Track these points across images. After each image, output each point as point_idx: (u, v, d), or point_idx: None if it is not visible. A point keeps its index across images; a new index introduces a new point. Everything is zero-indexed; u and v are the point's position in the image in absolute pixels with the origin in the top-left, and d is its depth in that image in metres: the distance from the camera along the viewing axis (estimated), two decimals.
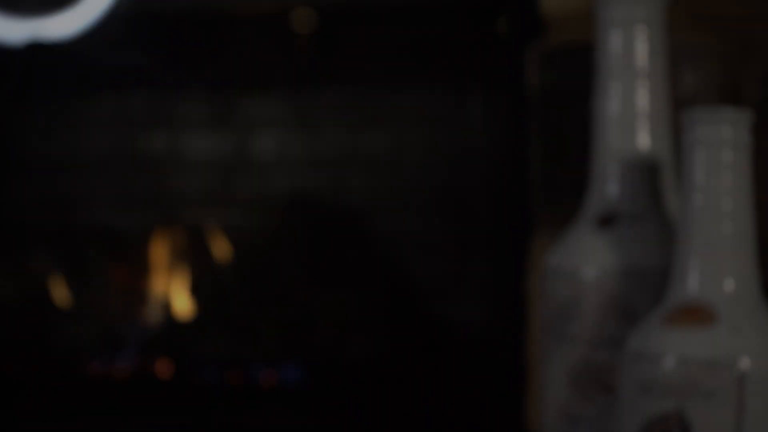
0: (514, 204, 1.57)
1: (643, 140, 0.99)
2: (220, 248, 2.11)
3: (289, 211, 2.10)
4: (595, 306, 0.96)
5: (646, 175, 0.99)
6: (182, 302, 2.06)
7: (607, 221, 0.99)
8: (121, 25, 1.90)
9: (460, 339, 1.97)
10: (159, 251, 2.12)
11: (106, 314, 2.08)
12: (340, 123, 2.09)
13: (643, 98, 0.99)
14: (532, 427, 1.32)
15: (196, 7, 1.97)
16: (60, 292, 2.11)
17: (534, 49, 1.31)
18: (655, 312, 0.87)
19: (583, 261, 0.98)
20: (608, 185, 0.99)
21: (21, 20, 1.95)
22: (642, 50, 0.99)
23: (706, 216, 0.85)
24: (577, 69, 1.22)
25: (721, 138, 0.85)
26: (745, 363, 0.81)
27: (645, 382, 0.83)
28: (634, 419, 0.84)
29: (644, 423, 0.83)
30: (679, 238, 0.87)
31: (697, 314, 0.84)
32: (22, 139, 2.21)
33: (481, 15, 1.78)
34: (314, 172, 2.10)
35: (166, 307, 2.06)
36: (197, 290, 2.07)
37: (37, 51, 1.94)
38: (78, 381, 1.99)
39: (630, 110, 0.99)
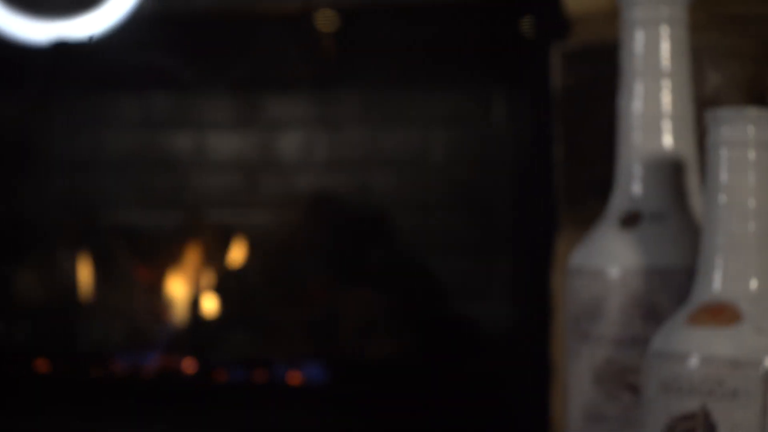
0: (538, 203, 1.57)
1: (667, 140, 0.99)
2: (245, 248, 2.12)
3: (313, 211, 2.11)
4: (619, 305, 0.97)
5: (670, 174, 0.99)
6: (207, 301, 2.07)
7: (631, 221, 0.99)
8: (144, 26, 1.91)
9: (484, 338, 1.97)
10: (184, 251, 2.13)
11: (131, 313, 2.09)
12: (363, 123, 2.10)
13: (666, 98, 0.99)
14: (556, 426, 1.32)
15: (220, 8, 1.98)
16: (86, 292, 2.12)
17: (557, 49, 1.31)
18: (680, 311, 0.87)
19: (607, 261, 0.98)
20: (632, 185, 1.00)
21: (46, 22, 1.96)
22: (666, 50, 0.99)
23: (731, 215, 0.85)
24: (601, 69, 1.22)
25: (745, 137, 0.85)
26: None
27: (669, 381, 0.83)
28: (658, 419, 0.84)
29: (668, 422, 0.83)
30: (704, 237, 0.87)
31: (722, 313, 0.84)
32: (47, 139, 2.22)
33: (504, 15, 1.78)
34: (338, 172, 2.10)
35: (192, 306, 2.07)
36: (222, 289, 2.08)
37: (62, 52, 1.95)
38: (104, 379, 2.00)
39: (654, 110, 0.99)
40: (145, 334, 2.06)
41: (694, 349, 0.83)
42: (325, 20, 1.94)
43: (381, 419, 1.83)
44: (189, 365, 1.99)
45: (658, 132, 0.99)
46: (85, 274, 2.13)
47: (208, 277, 2.10)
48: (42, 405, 1.94)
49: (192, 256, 2.12)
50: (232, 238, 2.13)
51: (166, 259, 2.13)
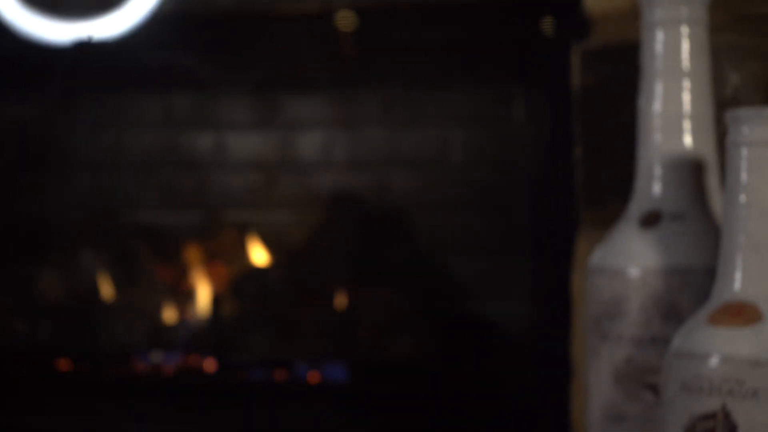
0: (558, 203, 1.57)
1: (687, 140, 0.99)
2: (264, 247, 2.12)
3: (333, 211, 2.11)
4: (639, 305, 0.97)
5: (690, 174, 0.99)
6: (228, 301, 2.08)
7: (651, 220, 0.99)
8: (165, 27, 1.92)
9: (504, 338, 1.97)
10: (204, 250, 2.14)
11: (152, 313, 2.10)
12: (383, 122, 2.10)
13: (686, 98, 1.00)
14: (576, 426, 1.33)
15: (240, 8, 1.98)
16: (107, 291, 2.13)
17: (577, 49, 1.31)
18: (700, 311, 0.87)
19: (628, 260, 0.98)
20: (652, 185, 1.00)
21: (67, 22, 1.97)
22: (686, 50, 0.99)
23: (751, 215, 0.85)
24: (621, 69, 1.22)
25: (765, 137, 0.85)
26: None
27: (689, 381, 0.84)
28: (678, 418, 0.84)
29: (688, 422, 0.83)
30: (724, 237, 0.87)
31: (742, 313, 0.84)
32: (68, 139, 2.23)
33: (524, 14, 1.78)
34: (357, 172, 2.11)
35: (212, 305, 2.07)
36: (242, 289, 2.09)
37: (83, 52, 1.96)
38: (125, 379, 2.01)
39: (674, 110, 0.99)
40: (166, 334, 2.07)
41: (715, 348, 0.83)
42: (344, 20, 1.95)
43: (400, 419, 1.83)
44: (209, 365, 2.00)
45: (678, 132, 0.99)
46: (106, 273, 2.14)
47: (229, 277, 2.11)
48: (63, 404, 1.95)
49: (212, 255, 2.13)
50: (252, 238, 2.13)
51: (186, 258, 2.14)
